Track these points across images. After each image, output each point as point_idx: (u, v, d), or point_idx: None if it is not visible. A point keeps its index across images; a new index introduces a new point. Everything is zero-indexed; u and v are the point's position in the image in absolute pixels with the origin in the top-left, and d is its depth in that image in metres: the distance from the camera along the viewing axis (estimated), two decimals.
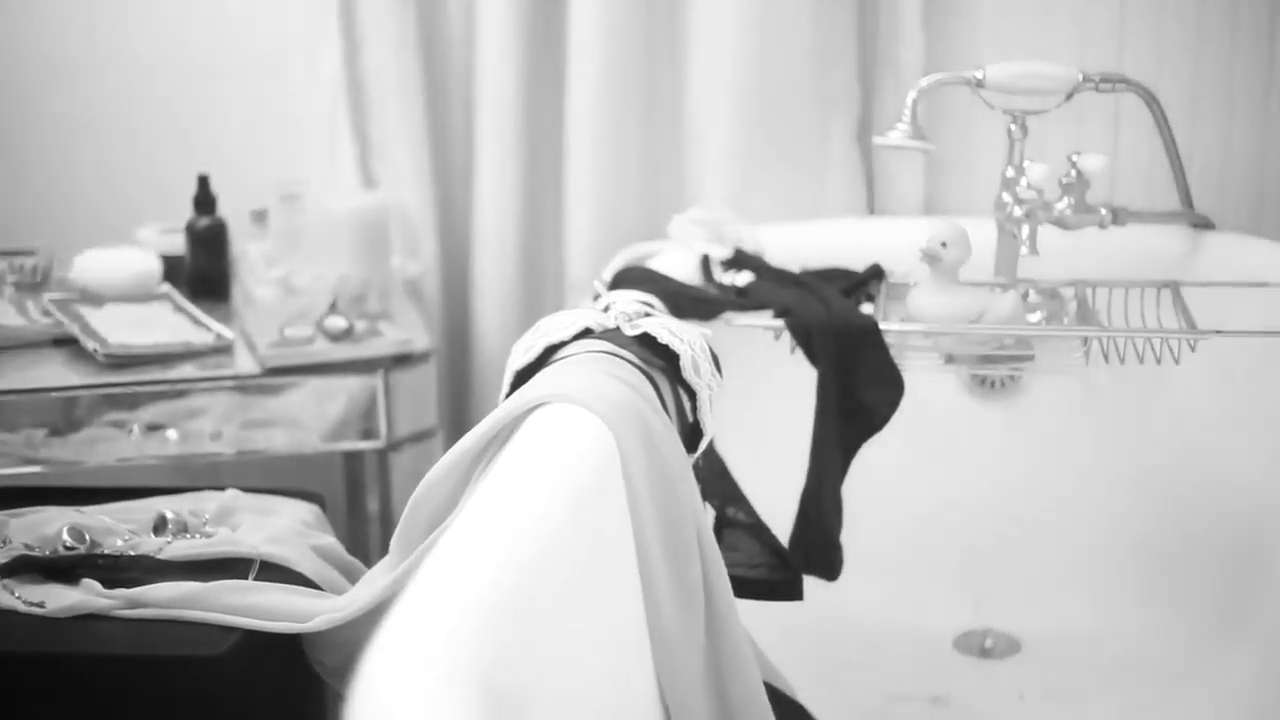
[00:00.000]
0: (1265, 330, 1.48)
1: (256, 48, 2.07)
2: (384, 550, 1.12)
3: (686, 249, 1.59)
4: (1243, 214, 1.87)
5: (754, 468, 1.35)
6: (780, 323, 1.40)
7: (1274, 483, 1.54)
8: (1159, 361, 1.44)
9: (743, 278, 1.50)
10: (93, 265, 1.78)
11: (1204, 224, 1.75)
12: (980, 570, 1.72)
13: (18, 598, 1.18)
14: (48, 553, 1.23)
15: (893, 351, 1.41)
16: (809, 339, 1.39)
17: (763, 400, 1.61)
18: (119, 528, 1.27)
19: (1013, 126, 1.59)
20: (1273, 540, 1.53)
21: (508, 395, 1.13)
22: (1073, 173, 1.59)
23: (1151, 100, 1.66)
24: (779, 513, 1.36)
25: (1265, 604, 1.52)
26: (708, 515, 1.21)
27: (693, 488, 1.10)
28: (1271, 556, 1.53)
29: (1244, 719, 1.44)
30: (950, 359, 1.53)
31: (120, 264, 1.78)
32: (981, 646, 1.66)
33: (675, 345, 1.15)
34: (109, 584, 1.19)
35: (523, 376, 1.14)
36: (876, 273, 1.62)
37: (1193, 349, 1.44)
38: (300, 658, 1.18)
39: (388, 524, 1.72)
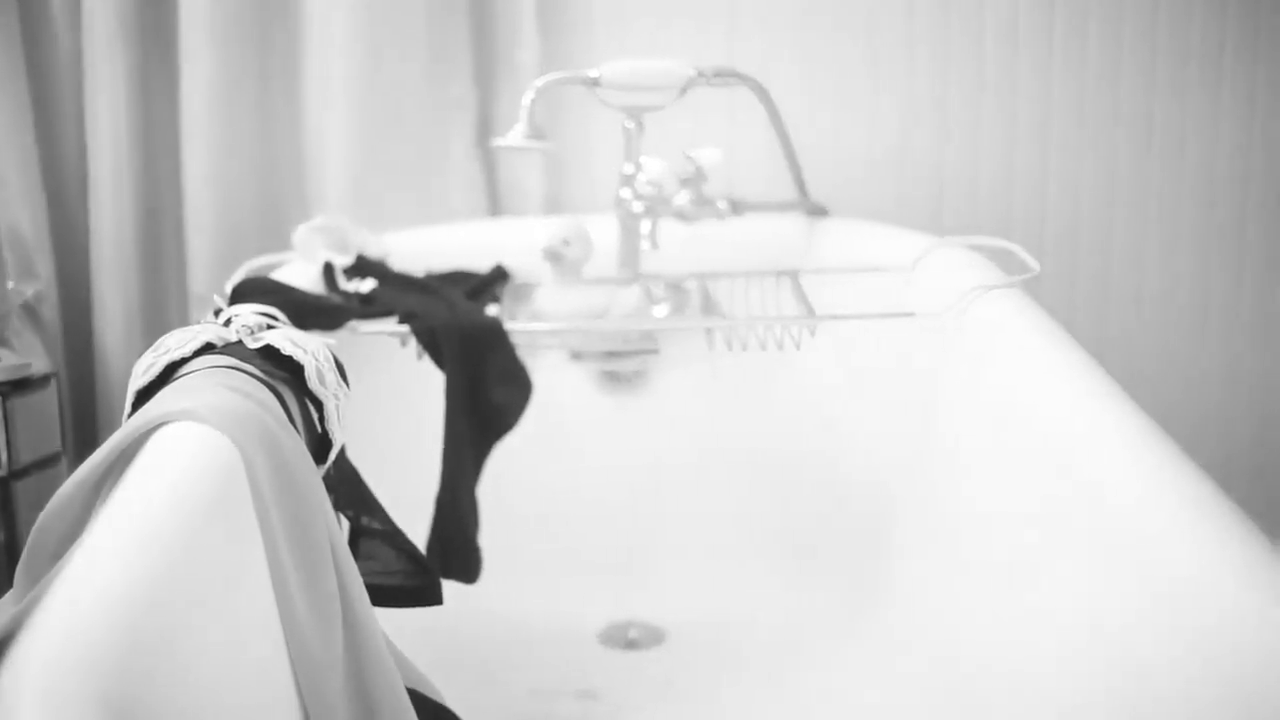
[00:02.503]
0: (879, 313, 1.58)
1: None
2: (9, 583, 1.11)
3: (309, 258, 1.60)
4: (855, 199, 1.99)
5: (389, 474, 1.37)
6: (405, 328, 1.43)
7: (896, 459, 1.64)
8: (780, 348, 1.53)
9: (367, 285, 1.52)
10: None
11: (819, 211, 1.86)
12: (621, 563, 1.78)
13: None
14: None
15: (520, 351, 1.45)
16: (434, 343, 1.42)
17: (395, 406, 1.63)
18: None
19: (629, 124, 1.66)
20: (896, 517, 1.62)
21: (130, 415, 1.13)
22: (690, 167, 1.68)
23: (763, 93, 1.75)
24: (417, 518, 1.39)
25: (896, 577, 1.60)
26: (342, 525, 1.22)
27: (324, 499, 1.12)
28: (898, 531, 1.62)
29: (885, 691, 1.51)
30: (577, 356, 1.60)
31: None
32: (626, 639, 1.72)
33: (299, 356, 1.17)
34: None
35: (144, 396, 1.14)
36: (501, 274, 1.67)
37: (812, 334, 1.54)
38: None
39: (14, 555, 1.68)
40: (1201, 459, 1.07)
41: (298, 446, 1.11)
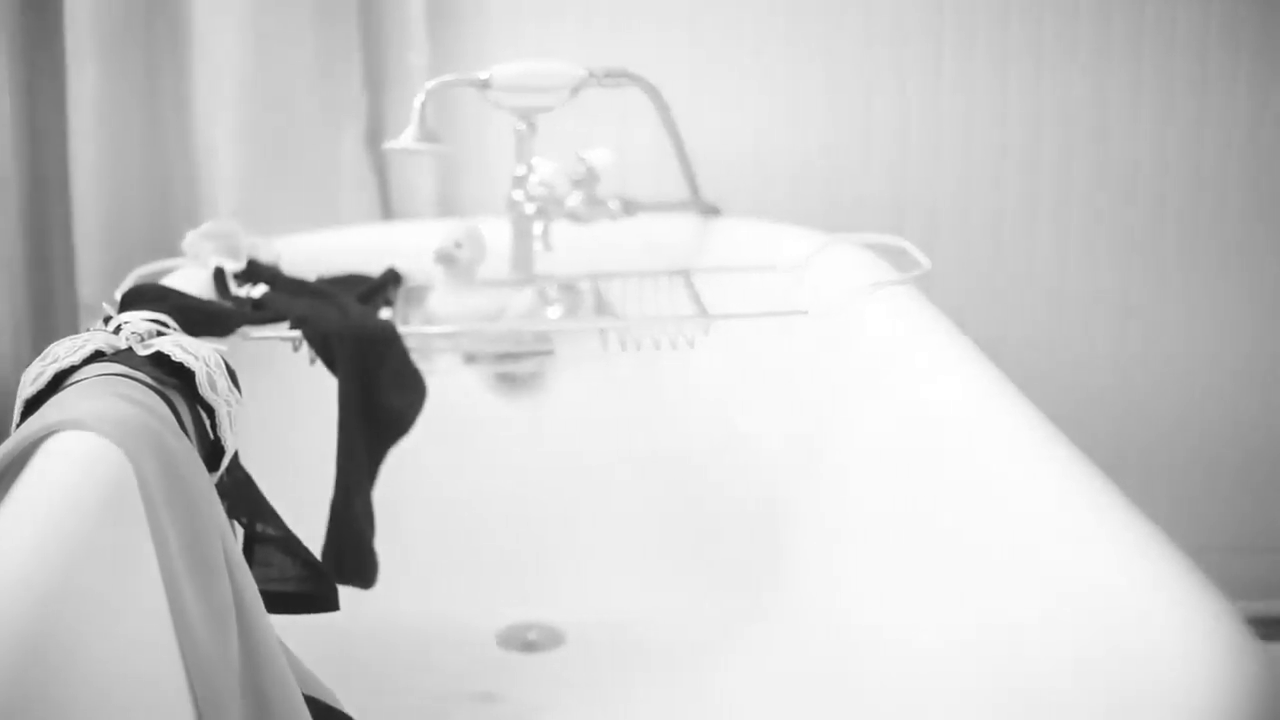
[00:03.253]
0: (771, 311, 1.60)
1: None
2: None
3: (200, 264, 1.60)
4: (748, 198, 2.01)
5: (283, 480, 1.37)
6: (298, 333, 1.43)
7: (790, 457, 1.66)
8: (674, 347, 1.54)
9: (258, 290, 1.51)
10: None
11: (711, 211, 1.88)
12: (519, 565, 1.79)
13: None
14: None
15: (414, 355, 1.45)
16: (327, 347, 1.42)
17: (288, 411, 1.63)
18: None
19: (521, 125, 1.67)
20: (792, 516, 1.64)
21: (18, 426, 1.12)
22: (582, 168, 1.69)
23: (654, 93, 1.77)
24: (312, 524, 1.39)
25: (794, 575, 1.62)
26: (236, 532, 1.22)
27: (217, 506, 1.12)
28: (794, 530, 1.64)
29: (782, 690, 1.53)
30: (471, 358, 1.60)
31: None
32: (525, 640, 1.73)
33: (190, 363, 1.17)
34: None
35: (33, 405, 1.13)
36: (393, 277, 1.67)
37: (705, 333, 1.55)
38: None
39: None
40: (1098, 455, 1.10)
41: (189, 454, 1.11)
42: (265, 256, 1.64)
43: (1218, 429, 2.26)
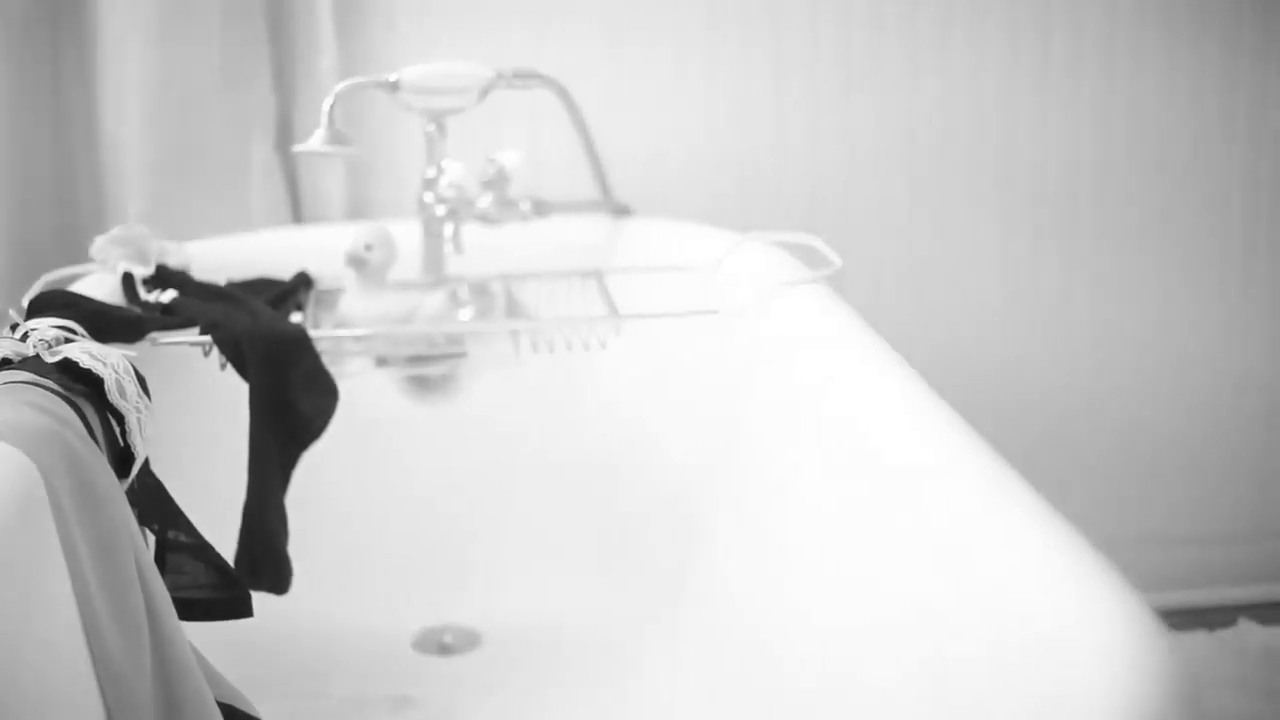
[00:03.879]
0: (682, 311, 1.61)
1: None
2: None
3: (108, 270, 1.59)
4: (662, 198, 2.02)
5: (195, 487, 1.37)
6: (208, 338, 1.42)
7: (700, 457, 1.67)
8: (586, 349, 1.55)
9: (167, 295, 1.51)
10: None
11: (623, 211, 1.89)
12: (435, 568, 1.79)
13: None
14: None
15: (326, 358, 1.45)
16: (238, 352, 1.41)
17: (199, 417, 1.63)
18: None
19: (430, 127, 1.67)
20: (707, 515, 1.66)
21: None
22: (492, 169, 1.69)
23: (564, 93, 1.78)
24: (225, 530, 1.39)
25: (704, 574, 1.63)
26: (148, 540, 1.22)
27: (128, 514, 1.12)
28: (707, 531, 1.65)
29: (701, 690, 1.54)
30: (383, 361, 1.60)
31: None
32: (441, 644, 1.74)
33: (98, 369, 1.16)
34: None
35: None
36: (304, 280, 1.67)
37: (617, 334, 1.56)
38: None
39: None
40: (1012, 449, 1.11)
41: (99, 461, 1.11)
42: (175, 261, 1.63)
43: (1130, 420, 2.29)
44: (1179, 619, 2.27)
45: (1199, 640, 2.20)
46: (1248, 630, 2.24)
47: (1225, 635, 2.23)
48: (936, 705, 1.00)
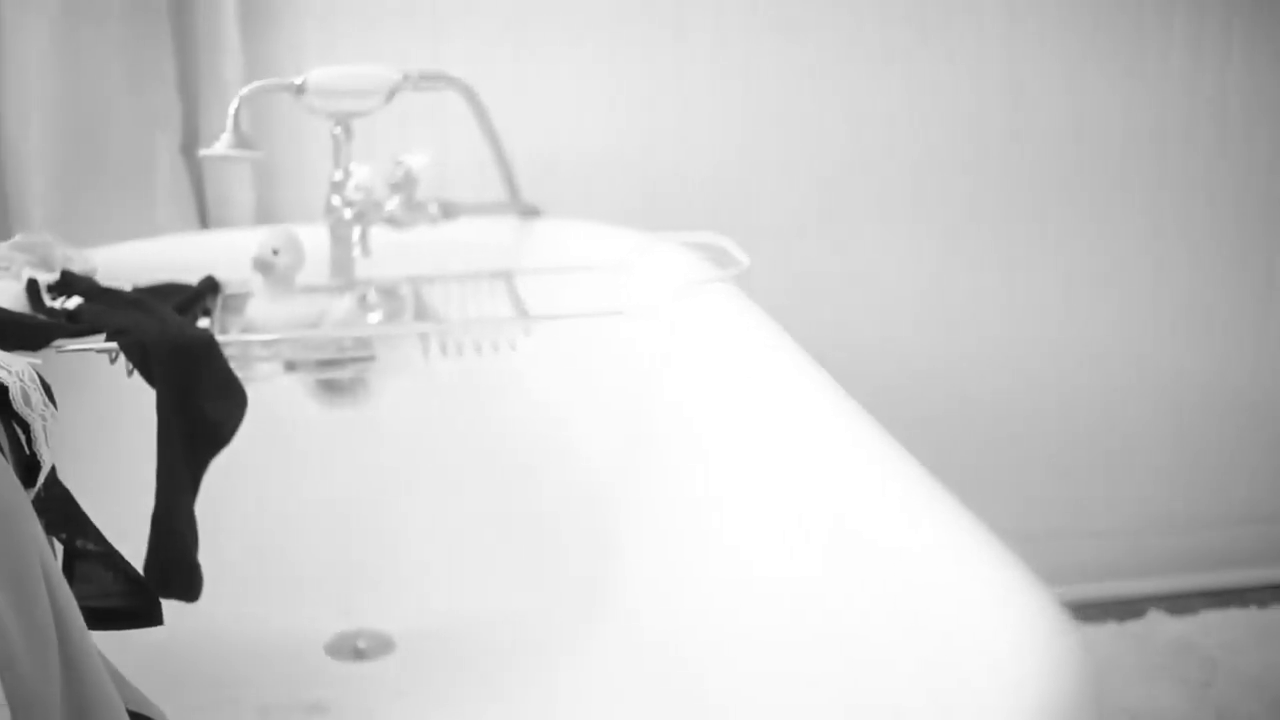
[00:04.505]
0: (590, 312, 1.62)
1: None
2: None
3: (12, 276, 1.57)
4: (572, 199, 2.03)
5: (103, 494, 1.36)
6: (114, 344, 1.42)
7: (616, 461, 1.68)
8: (496, 350, 1.56)
9: (73, 302, 1.50)
10: None
11: (531, 212, 1.89)
12: (347, 573, 1.79)
13: None
14: None
15: (234, 363, 1.45)
16: (145, 358, 1.41)
17: (106, 424, 1.62)
18: None
19: (337, 130, 1.67)
20: (621, 515, 1.67)
21: None
22: (400, 171, 1.69)
23: (471, 95, 1.78)
24: (134, 538, 1.38)
25: (626, 576, 1.64)
26: (56, 548, 1.21)
27: (34, 523, 1.11)
28: (621, 531, 1.66)
29: (616, 691, 1.55)
30: (292, 366, 1.60)
31: None
32: (354, 649, 1.73)
33: (2, 377, 1.16)
34: None
35: None
36: (211, 285, 1.66)
37: (527, 335, 1.57)
38: None
39: None
40: (920, 444, 1.13)
41: (4, 470, 1.10)
42: (80, 268, 1.62)
43: (1038, 416, 2.32)
44: (1089, 611, 2.30)
45: (1109, 632, 2.24)
46: (1157, 621, 2.28)
47: (1135, 627, 2.27)
48: (846, 706, 1.01)
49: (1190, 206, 2.27)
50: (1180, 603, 2.35)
